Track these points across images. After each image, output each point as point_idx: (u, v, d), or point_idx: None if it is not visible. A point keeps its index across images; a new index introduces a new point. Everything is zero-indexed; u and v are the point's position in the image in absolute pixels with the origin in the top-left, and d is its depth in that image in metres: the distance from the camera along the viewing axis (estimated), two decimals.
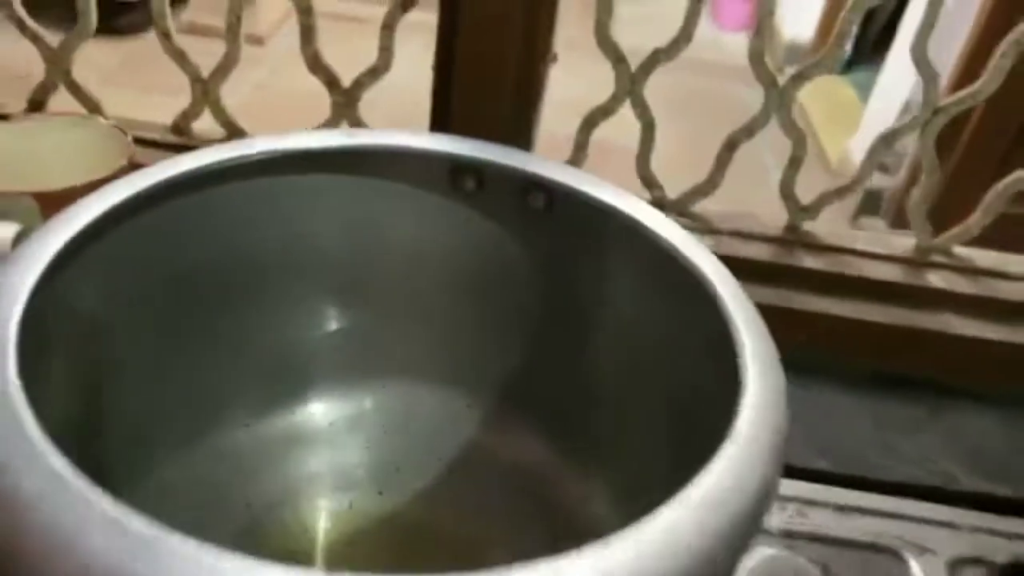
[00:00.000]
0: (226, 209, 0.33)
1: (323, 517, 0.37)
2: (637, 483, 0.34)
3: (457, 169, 0.34)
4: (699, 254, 0.29)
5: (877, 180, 1.67)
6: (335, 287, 0.37)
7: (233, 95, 0.57)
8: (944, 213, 0.58)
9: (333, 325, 0.38)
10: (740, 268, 0.55)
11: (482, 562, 0.34)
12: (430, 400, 0.39)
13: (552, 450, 0.37)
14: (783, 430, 0.22)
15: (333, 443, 0.38)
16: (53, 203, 0.40)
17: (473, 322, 0.37)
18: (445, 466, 0.38)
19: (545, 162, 0.33)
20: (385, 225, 0.35)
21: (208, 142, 0.57)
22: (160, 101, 0.53)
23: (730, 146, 0.56)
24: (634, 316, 0.33)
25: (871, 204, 1.66)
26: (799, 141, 0.55)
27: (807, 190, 0.56)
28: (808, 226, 0.57)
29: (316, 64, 0.55)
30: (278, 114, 1.61)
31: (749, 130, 0.55)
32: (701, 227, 0.57)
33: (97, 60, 1.86)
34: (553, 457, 0.37)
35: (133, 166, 0.45)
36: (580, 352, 0.35)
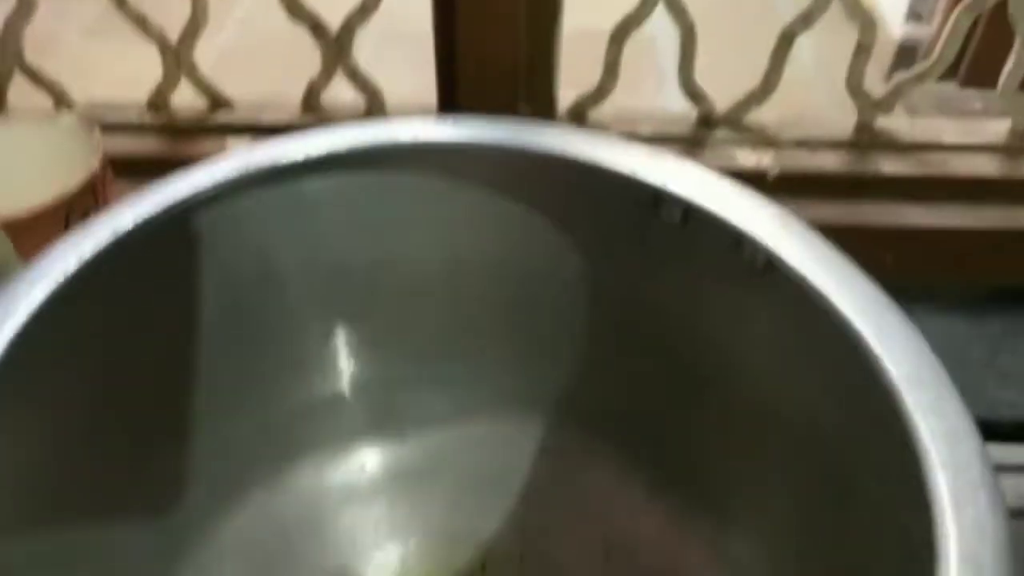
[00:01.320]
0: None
1: None
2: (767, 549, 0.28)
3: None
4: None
5: (909, 30, 1.56)
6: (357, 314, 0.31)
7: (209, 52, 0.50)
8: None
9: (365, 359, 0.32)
10: (808, 185, 0.49)
11: None
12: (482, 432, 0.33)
13: (646, 489, 0.32)
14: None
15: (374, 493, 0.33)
16: (22, 231, 0.34)
17: (529, 339, 0.32)
18: (511, 507, 0.33)
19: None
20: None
21: (191, 119, 0.50)
22: (150, 52, 0.47)
23: (786, 40, 0.48)
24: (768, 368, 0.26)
25: (905, 58, 1.55)
26: (866, 25, 0.47)
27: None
28: (882, 123, 0.50)
29: (295, 7, 0.47)
30: (259, 64, 1.49)
31: (806, 19, 0.47)
32: (757, 139, 0.50)
33: (77, 12, 1.75)
34: (648, 498, 0.32)
35: (106, 166, 0.39)
36: (667, 370, 0.29)
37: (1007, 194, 0.48)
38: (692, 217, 0.27)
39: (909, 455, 0.18)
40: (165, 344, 0.27)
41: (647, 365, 0.30)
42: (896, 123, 0.50)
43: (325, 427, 0.33)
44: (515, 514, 0.33)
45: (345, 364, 0.32)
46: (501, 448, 0.34)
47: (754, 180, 0.47)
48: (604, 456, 0.33)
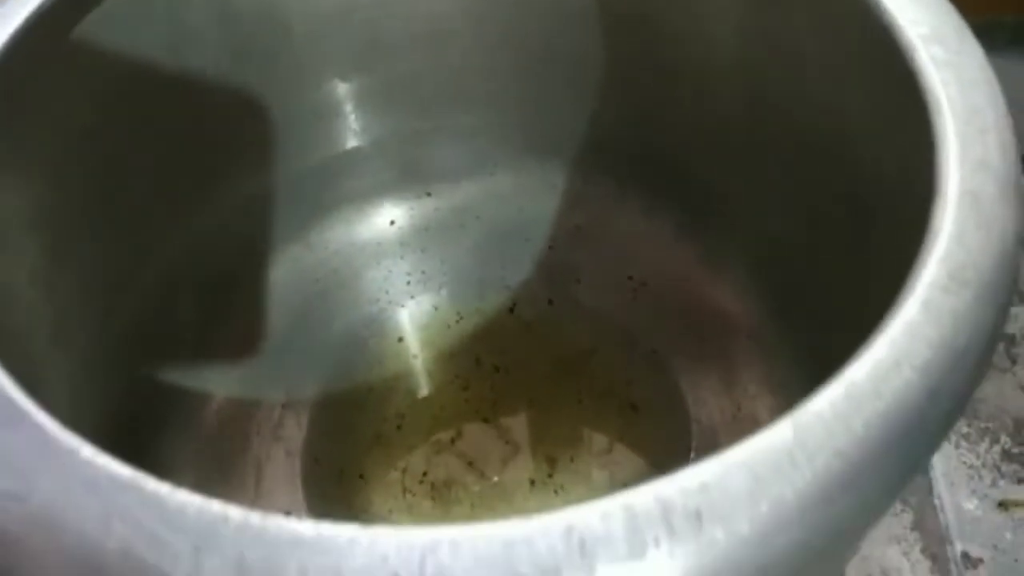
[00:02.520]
0: None
1: (412, 329, 0.33)
2: (779, 252, 0.28)
3: None
4: None
5: None
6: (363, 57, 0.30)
7: None
8: None
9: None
10: None
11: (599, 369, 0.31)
12: (507, 183, 0.33)
13: (671, 227, 0.32)
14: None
15: (403, 246, 0.34)
16: None
17: (546, 77, 0.31)
18: (539, 254, 0.33)
19: None
20: None
21: None
22: None
23: None
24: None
25: None
26: None
27: None
28: None
29: None
30: None
31: None
32: None
33: None
34: (674, 233, 0.32)
35: None
36: (697, 91, 0.28)
37: None
38: None
39: (919, 108, 0.17)
40: (179, 88, 0.27)
41: (662, 95, 0.29)
42: None
43: (350, 184, 0.33)
44: (543, 261, 0.34)
45: (362, 116, 0.32)
46: (527, 198, 0.34)
47: None
48: (630, 200, 0.33)
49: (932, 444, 0.14)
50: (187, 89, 0.28)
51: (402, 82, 0.31)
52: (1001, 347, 0.34)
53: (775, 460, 0.13)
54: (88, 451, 0.14)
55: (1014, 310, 0.34)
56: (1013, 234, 0.16)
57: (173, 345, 0.30)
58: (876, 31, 0.19)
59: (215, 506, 0.13)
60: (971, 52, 0.18)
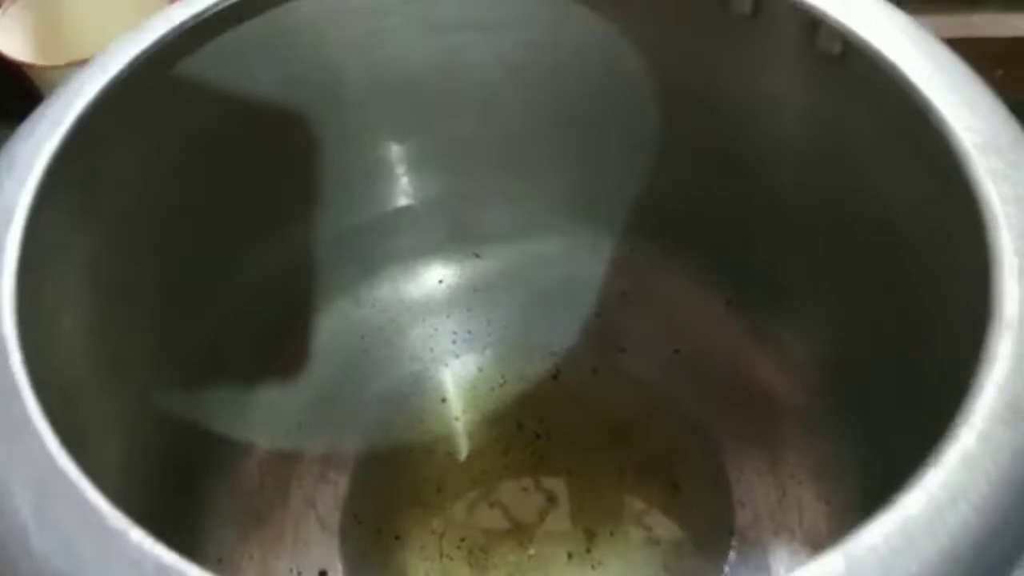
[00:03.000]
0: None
1: (456, 390, 0.33)
2: (832, 337, 0.28)
3: None
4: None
5: None
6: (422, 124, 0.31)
7: None
8: None
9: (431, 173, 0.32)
10: None
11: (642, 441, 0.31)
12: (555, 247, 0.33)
13: (719, 299, 0.32)
14: None
15: (450, 305, 0.34)
16: None
17: (597, 146, 0.31)
18: (585, 321, 0.33)
19: None
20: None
21: None
22: None
23: None
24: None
25: None
26: None
27: None
28: None
29: None
30: None
31: None
32: None
33: None
34: (723, 306, 0.32)
35: None
36: (754, 169, 0.28)
37: None
38: (763, 6, 0.25)
39: (978, 220, 0.17)
40: (234, 148, 0.27)
41: (718, 170, 0.29)
42: None
43: (400, 242, 0.33)
44: (589, 327, 0.34)
45: (415, 177, 0.32)
46: (575, 263, 0.34)
47: None
48: (677, 269, 0.33)
49: None
50: (248, 146, 0.28)
51: (455, 146, 0.32)
52: None
53: None
54: (136, 535, 0.14)
55: None
56: None
57: (220, 395, 0.30)
58: (932, 135, 0.19)
59: None
60: None
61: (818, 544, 0.28)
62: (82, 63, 0.35)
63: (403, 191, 0.33)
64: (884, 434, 0.26)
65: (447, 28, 0.29)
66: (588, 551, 0.29)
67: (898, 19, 0.22)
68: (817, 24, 0.23)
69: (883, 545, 0.13)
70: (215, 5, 0.23)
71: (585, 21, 0.28)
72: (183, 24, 0.22)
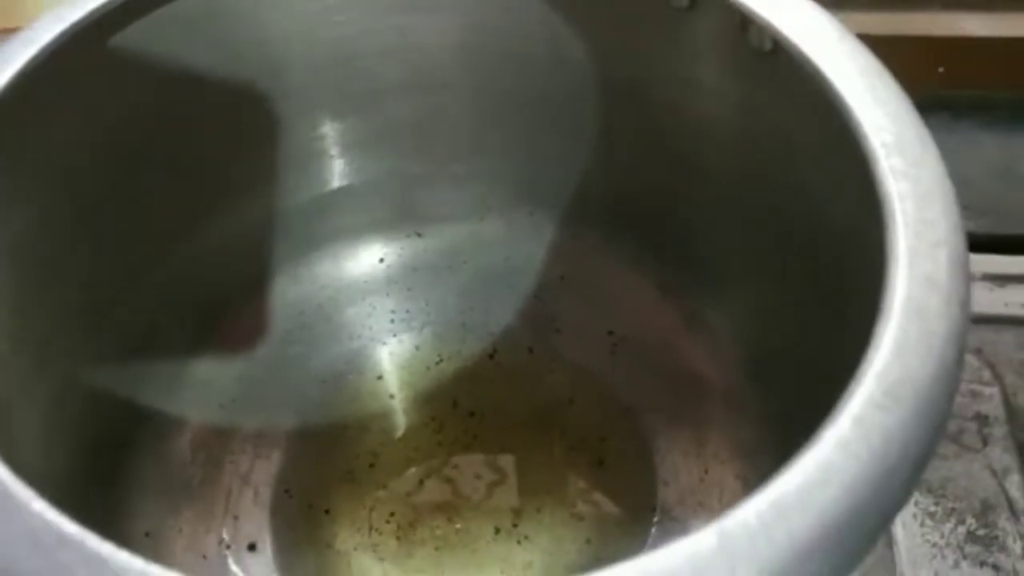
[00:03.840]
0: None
1: (392, 368, 0.33)
2: (758, 321, 0.29)
3: None
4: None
5: None
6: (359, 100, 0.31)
7: None
8: None
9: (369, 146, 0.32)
10: None
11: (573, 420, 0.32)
12: (496, 230, 0.34)
13: (655, 283, 0.32)
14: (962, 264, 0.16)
15: (390, 284, 0.34)
16: None
17: (541, 132, 0.31)
18: (522, 302, 0.34)
19: None
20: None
21: None
22: None
23: None
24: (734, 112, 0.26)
25: None
26: None
27: None
28: None
29: None
30: None
31: None
32: None
33: None
34: (656, 291, 0.32)
35: None
36: (688, 158, 0.29)
37: None
38: (699, 1, 0.26)
39: (877, 213, 0.18)
40: (170, 127, 0.27)
41: (655, 159, 0.30)
42: None
43: (341, 222, 0.34)
44: (526, 309, 0.34)
45: (358, 157, 0.32)
46: (515, 246, 0.34)
47: None
48: (615, 255, 0.34)
49: (854, 561, 0.14)
50: (184, 123, 0.28)
51: (399, 128, 0.32)
52: (973, 427, 0.34)
53: (696, 569, 0.13)
54: (38, 505, 0.14)
55: (987, 390, 0.35)
56: (955, 351, 0.16)
57: (152, 371, 0.30)
58: (844, 132, 0.20)
59: (155, 570, 0.14)
60: (931, 163, 0.18)
61: None
62: (10, 31, 0.35)
63: (345, 171, 0.33)
64: (800, 416, 0.27)
65: (392, 9, 0.29)
66: (515, 526, 0.30)
67: (823, 20, 0.23)
68: (747, 22, 0.24)
69: (755, 521, 0.14)
70: None
71: (532, 7, 0.29)
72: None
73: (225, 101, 0.28)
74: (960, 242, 0.17)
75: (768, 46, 0.24)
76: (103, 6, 0.23)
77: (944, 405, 0.16)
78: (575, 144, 0.32)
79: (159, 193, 0.29)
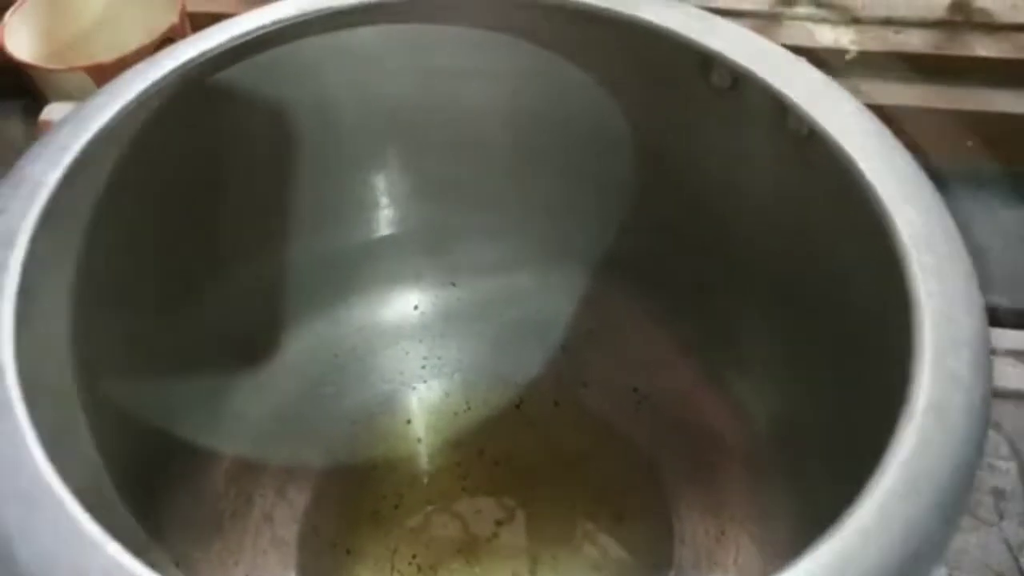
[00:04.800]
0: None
1: (421, 413, 0.34)
2: (781, 389, 0.29)
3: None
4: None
5: None
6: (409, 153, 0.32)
7: None
8: None
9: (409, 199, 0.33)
10: (892, 65, 0.48)
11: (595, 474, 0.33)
12: (528, 283, 0.35)
13: (679, 344, 0.33)
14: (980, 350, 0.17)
15: (423, 330, 0.35)
16: (107, 76, 0.36)
17: (577, 191, 0.32)
18: (551, 354, 0.35)
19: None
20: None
21: None
22: None
23: None
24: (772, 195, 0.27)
25: None
26: None
27: None
28: (981, 2, 0.47)
29: None
30: None
31: None
32: (840, 18, 0.48)
33: None
34: (682, 351, 0.33)
35: (185, 19, 0.40)
36: (705, 227, 0.30)
37: None
38: (741, 84, 0.27)
39: (905, 305, 0.18)
40: (228, 173, 0.29)
41: (686, 222, 0.31)
42: (993, 3, 0.47)
43: (380, 268, 0.35)
44: (554, 361, 0.35)
45: (400, 207, 0.34)
46: (546, 298, 0.36)
47: (831, 59, 0.45)
48: (642, 311, 0.35)
49: None
50: (241, 171, 0.30)
51: (440, 182, 0.33)
52: (990, 501, 0.35)
53: None
54: (113, 548, 0.15)
55: (1004, 464, 0.35)
56: (974, 446, 0.17)
57: (191, 403, 0.31)
58: (874, 224, 0.21)
59: None
60: (958, 260, 0.19)
61: None
62: (83, 69, 0.37)
63: (387, 220, 0.34)
64: (819, 486, 0.28)
65: (442, 74, 0.31)
66: (531, 573, 0.31)
67: (858, 112, 0.24)
68: (785, 109, 0.25)
69: None
70: (221, 45, 0.24)
71: (574, 78, 0.30)
72: (189, 61, 0.24)
73: (279, 151, 0.30)
74: (983, 340, 0.18)
75: (805, 131, 0.25)
76: (176, 69, 0.24)
77: (962, 496, 0.16)
78: (609, 204, 0.33)
79: (210, 235, 0.30)
